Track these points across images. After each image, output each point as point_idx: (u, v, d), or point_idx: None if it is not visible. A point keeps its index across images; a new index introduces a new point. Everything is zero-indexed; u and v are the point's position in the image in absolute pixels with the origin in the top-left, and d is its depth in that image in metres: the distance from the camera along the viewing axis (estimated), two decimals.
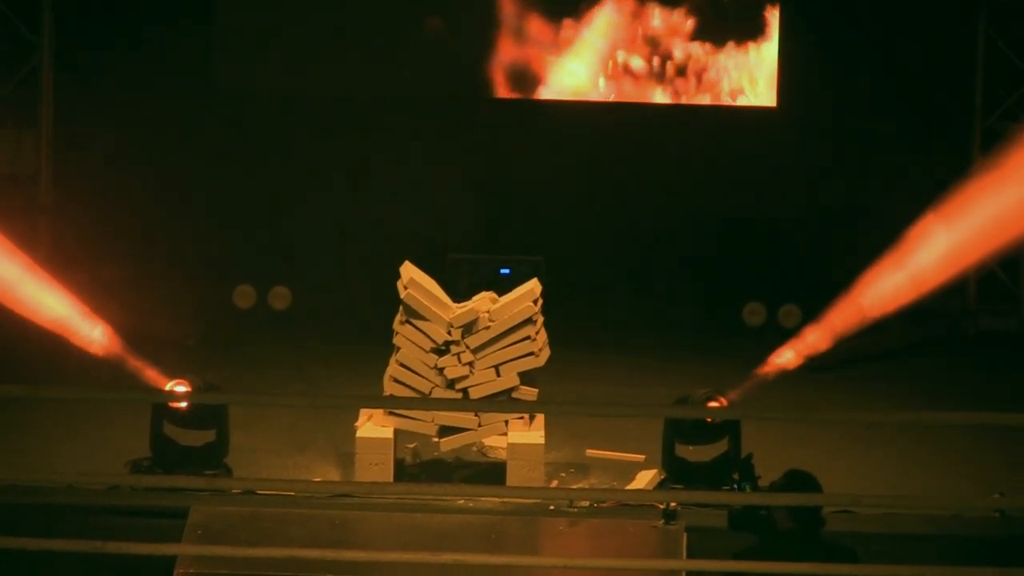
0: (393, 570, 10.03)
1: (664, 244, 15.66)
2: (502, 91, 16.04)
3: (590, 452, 11.98)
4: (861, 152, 15.09)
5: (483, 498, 11.01)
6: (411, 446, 11.62)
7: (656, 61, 15.91)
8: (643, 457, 11.72)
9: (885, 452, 11.94)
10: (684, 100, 16.00)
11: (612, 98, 16.05)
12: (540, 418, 11.58)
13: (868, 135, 15.20)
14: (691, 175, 15.84)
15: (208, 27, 16.07)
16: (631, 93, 16.00)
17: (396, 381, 11.55)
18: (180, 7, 15.90)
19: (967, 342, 15.07)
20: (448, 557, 9.89)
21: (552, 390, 11.77)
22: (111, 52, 15.75)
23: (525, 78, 16.02)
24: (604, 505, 11.07)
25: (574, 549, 10.61)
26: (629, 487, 11.49)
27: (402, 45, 16.05)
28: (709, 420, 11.38)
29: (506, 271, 12.30)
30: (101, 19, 15.85)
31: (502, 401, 11.56)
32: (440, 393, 11.48)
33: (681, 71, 15.92)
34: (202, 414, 11.36)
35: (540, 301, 11.71)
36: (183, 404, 11.41)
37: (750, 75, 15.93)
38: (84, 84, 15.87)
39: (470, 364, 11.53)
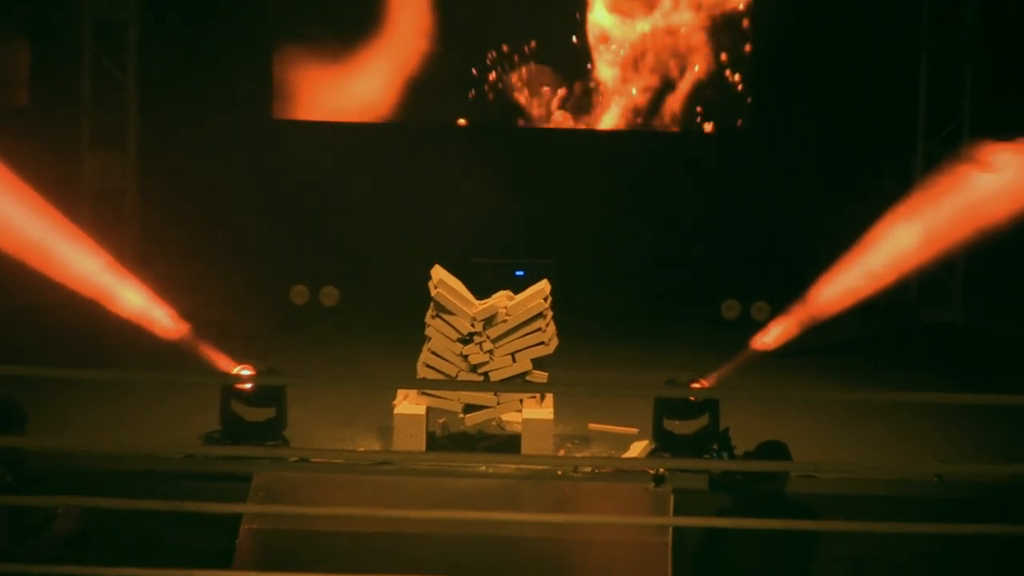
0: (424, 526, 10.06)
1: (655, 250, 15.66)
2: (521, 121, 16.08)
3: (592, 426, 11.99)
4: (820, 170, 15.09)
5: (501, 465, 11.04)
6: (441, 421, 11.64)
7: (647, 93, 15.94)
8: (636, 430, 11.72)
9: (842, 426, 11.91)
10: (672, 127, 16.03)
11: (612, 127, 16.07)
12: (549, 397, 11.61)
13: (827, 156, 15.19)
14: (678, 192, 15.86)
15: (266, 66, 16.09)
16: (630, 122, 16.04)
17: (428, 366, 11.59)
18: (243, 48, 15.90)
19: (911, 333, 15.05)
20: (471, 515, 9.96)
21: (560, 374, 11.78)
22: (186, 85, 15.77)
23: (540, 110, 16.05)
24: (603, 471, 11.11)
25: (578, 508, 10.63)
26: (625, 455, 11.53)
27: (433, 81, 16.05)
28: (692, 399, 11.42)
29: (520, 273, 12.32)
30: (177, 58, 15.86)
31: (517, 383, 11.61)
32: (465, 376, 11.51)
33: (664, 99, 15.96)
34: (264, 394, 11.40)
35: (549, 298, 11.75)
36: (248, 385, 11.42)
37: (723, 102, 15.96)
38: (163, 112, 15.90)
39: (490, 352, 11.55)
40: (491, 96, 16.09)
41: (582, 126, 16.09)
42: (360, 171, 15.82)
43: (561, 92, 16.07)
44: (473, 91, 16.09)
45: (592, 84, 16.03)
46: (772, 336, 12.80)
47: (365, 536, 9.97)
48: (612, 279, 15.36)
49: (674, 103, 16.02)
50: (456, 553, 9.87)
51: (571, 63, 16.01)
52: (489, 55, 16.07)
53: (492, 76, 16.06)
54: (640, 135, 16.07)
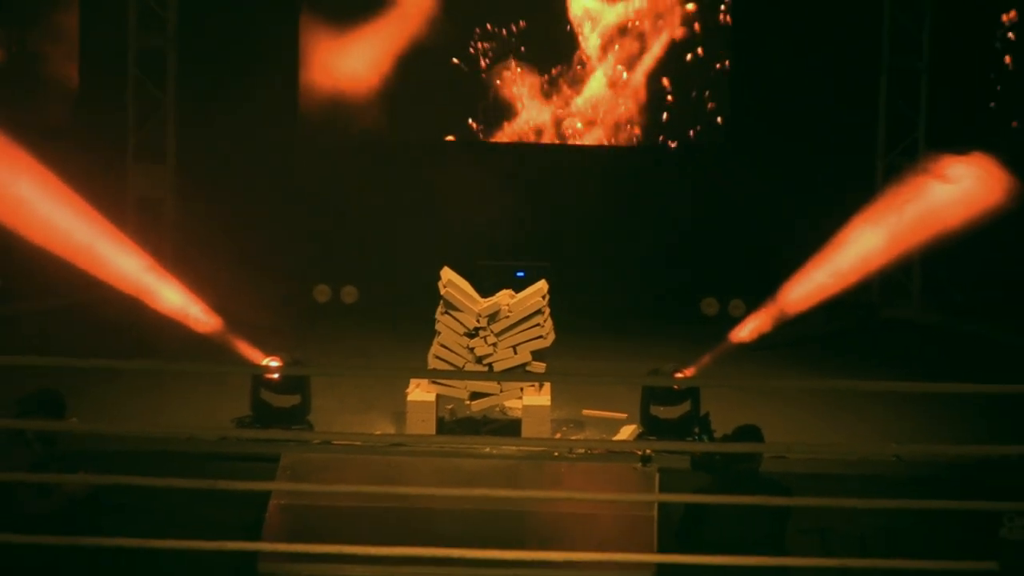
0: (434, 502, 10.09)
1: (642, 253, 15.68)
2: (524, 137, 16.10)
3: (585, 411, 12.01)
4: (791, 180, 15.09)
5: (503, 447, 11.08)
6: (449, 407, 11.66)
7: (635, 112, 15.95)
8: (626, 415, 11.75)
9: (810, 412, 11.94)
10: (657, 144, 16.04)
11: (604, 143, 16.08)
12: (547, 385, 11.63)
13: (797, 167, 15.20)
14: (662, 202, 15.88)
15: (292, 88, 16.11)
16: (618, 139, 16.05)
17: (438, 358, 11.60)
18: (269, 71, 15.91)
19: (873, 328, 15.06)
20: (477, 492, 10.00)
21: (556, 364, 11.80)
22: (218, 105, 15.78)
23: (540, 127, 16.07)
24: (596, 452, 11.14)
25: (572, 486, 10.65)
26: (615, 438, 11.57)
27: (444, 102, 16.07)
28: (676, 387, 11.43)
29: (521, 274, 12.32)
30: (210, 80, 15.88)
31: (518, 373, 11.62)
32: (471, 367, 11.52)
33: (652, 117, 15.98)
34: (290, 383, 11.43)
35: (547, 297, 11.77)
36: (276, 375, 11.45)
37: (702, 121, 15.97)
38: (199, 128, 15.92)
39: (494, 345, 11.58)
40: (492, 114, 16.09)
41: (577, 142, 16.07)
42: (377, 182, 15.86)
43: (558, 111, 16.07)
44: (480, 112, 16.06)
45: (587, 102, 16.02)
46: (747, 330, 12.83)
47: (381, 511, 10.00)
48: (603, 279, 15.37)
49: (659, 122, 16.02)
50: (463, 526, 9.89)
51: (568, 81, 15.99)
52: (494, 79, 16.06)
53: (497, 94, 16.06)
54: (628, 151, 16.09)
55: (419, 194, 15.51)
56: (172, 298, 12.75)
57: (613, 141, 16.11)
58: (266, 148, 15.89)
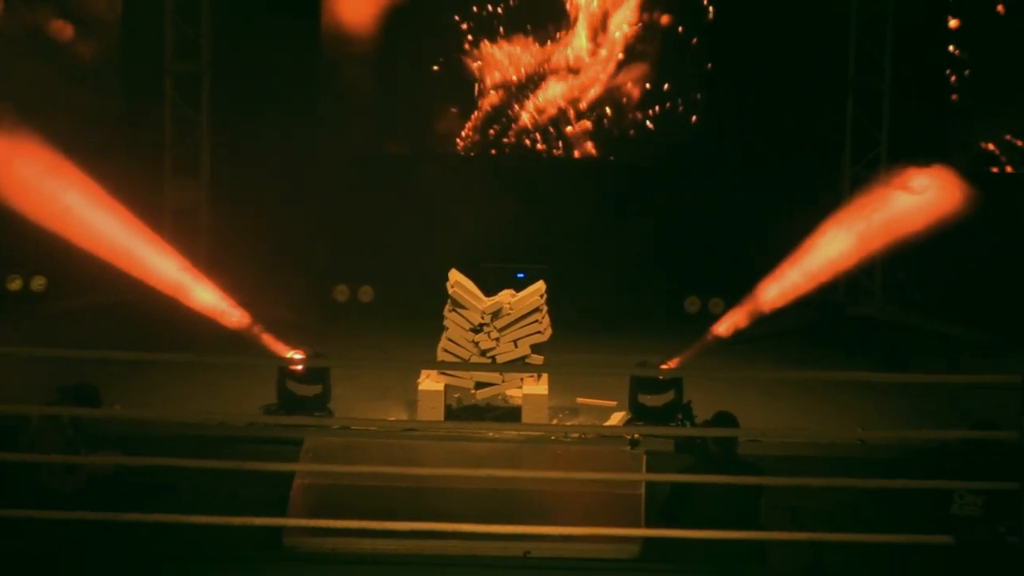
0: (443, 482, 10.08)
1: (631, 256, 15.66)
2: (522, 149, 16.10)
3: (579, 399, 12.00)
4: (767, 190, 15.08)
5: (505, 431, 11.09)
6: (456, 396, 11.64)
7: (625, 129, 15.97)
8: (616, 403, 11.74)
9: (782, 400, 11.93)
10: (643, 157, 16.04)
11: (595, 156, 16.08)
12: (545, 376, 11.64)
13: (772, 178, 15.20)
14: (649, 209, 15.85)
15: (313, 107, 16.11)
16: (608, 153, 16.06)
17: (446, 351, 11.62)
18: (294, 93, 15.93)
19: (839, 324, 15.04)
20: (482, 472, 10.02)
21: (553, 357, 11.81)
22: (247, 125, 15.77)
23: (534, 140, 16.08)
24: (589, 436, 11.16)
25: (568, 466, 10.62)
26: (606, 424, 11.55)
27: (453, 118, 16.07)
28: (661, 378, 11.44)
29: (521, 275, 12.30)
30: (240, 102, 15.88)
31: (519, 364, 11.63)
32: (476, 359, 11.54)
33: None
34: (312, 373, 11.44)
35: (545, 296, 11.78)
36: (299, 367, 11.47)
37: (685, 136, 15.96)
38: (230, 145, 15.92)
39: (497, 339, 11.59)
40: (496, 131, 16.09)
41: (574, 156, 16.08)
42: (391, 192, 15.85)
43: (554, 129, 16.07)
44: (491, 129, 16.07)
45: (581, 121, 16.03)
46: (726, 326, 12.81)
47: (395, 490, 9.99)
48: (595, 280, 15.34)
49: (646, 138, 16.02)
50: (469, 503, 9.88)
51: (564, 102, 16.01)
52: (494, 95, 16.07)
53: (492, 111, 16.06)
54: (618, 164, 16.09)
55: (429, 203, 15.49)
56: (205, 297, 12.74)
57: (605, 154, 16.07)
58: (290, 163, 15.88)
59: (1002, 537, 8.44)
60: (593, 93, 16.00)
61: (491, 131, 16.10)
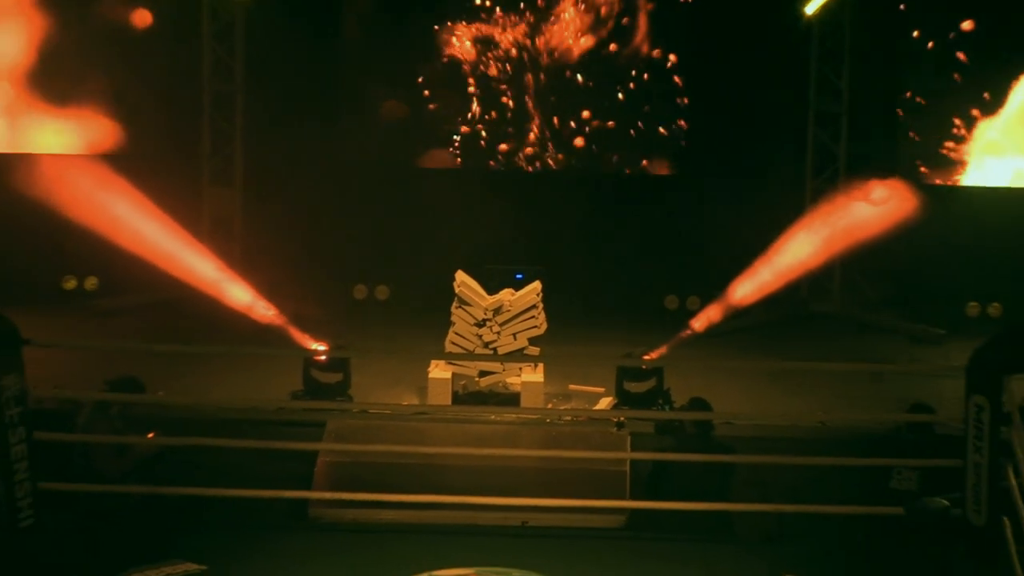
0: (450, 459, 10.10)
1: (617, 259, 15.66)
2: (522, 164, 16.12)
3: (571, 386, 12.01)
4: (737, 200, 15.04)
5: (505, 415, 11.08)
6: (462, 383, 11.64)
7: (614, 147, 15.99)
8: (603, 389, 11.75)
9: (752, 387, 11.93)
10: (629, 170, 16.05)
11: (585, 171, 16.09)
12: (541, 365, 11.66)
13: (742, 189, 15.18)
14: (634, 217, 15.86)
15: (337, 121, 16.12)
16: (604, 168, 16.07)
17: (453, 343, 11.62)
18: (318, 112, 15.92)
19: (802, 319, 15.05)
20: (485, 451, 10.05)
21: (548, 349, 11.81)
22: (276, 139, 15.76)
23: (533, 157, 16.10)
24: (580, 419, 11.16)
25: (561, 446, 10.65)
26: (595, 408, 11.57)
27: (462, 137, 16.09)
28: (644, 367, 11.46)
29: (520, 276, 12.31)
30: (270, 119, 15.84)
31: (517, 355, 11.64)
32: (480, 350, 11.55)
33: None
34: (334, 363, 11.41)
35: (541, 294, 11.79)
36: (323, 357, 11.48)
37: (667, 150, 15.98)
38: (262, 158, 15.91)
39: (498, 333, 11.59)
40: (494, 147, 16.11)
41: (568, 171, 16.10)
42: (405, 202, 15.85)
43: (550, 146, 16.08)
44: (498, 145, 16.08)
45: (576, 139, 16.05)
46: (701, 321, 12.86)
47: (407, 466, 10.02)
48: (586, 280, 15.34)
49: (631, 156, 16.04)
50: (473, 478, 9.88)
51: (560, 123, 16.03)
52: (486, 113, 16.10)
53: (497, 130, 16.08)
54: (607, 178, 16.10)
55: (439, 211, 15.48)
56: (239, 295, 12.79)
57: (596, 169, 16.09)
58: (315, 174, 15.86)
59: (946, 510, 8.46)
60: (586, 114, 16.00)
61: (498, 147, 16.08)
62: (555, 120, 15.98)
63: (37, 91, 15.45)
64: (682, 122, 15.89)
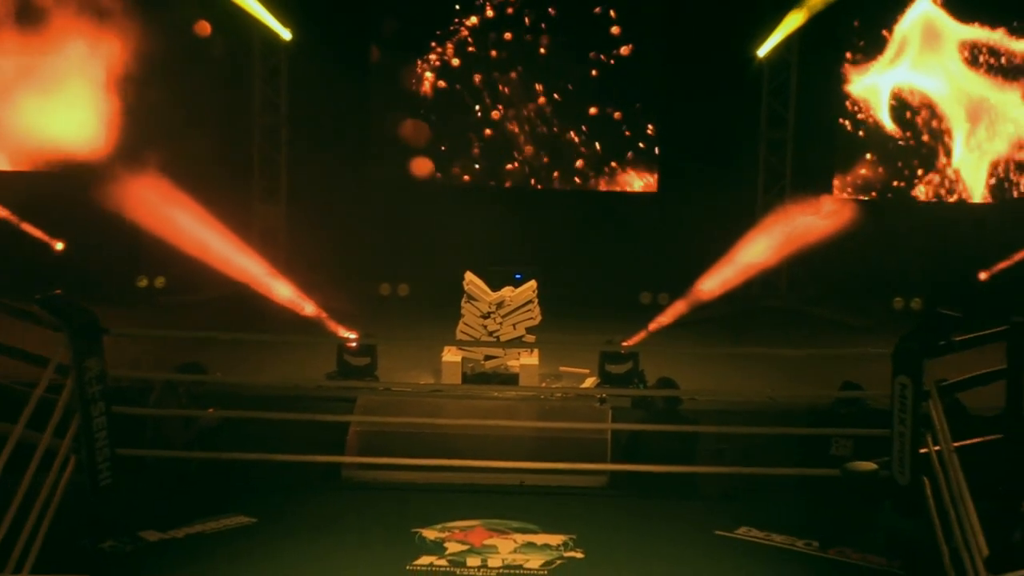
0: (460, 429, 10.09)
1: (602, 260, 15.65)
2: (522, 181, 16.08)
3: (562, 368, 11.97)
4: (702, 213, 15.02)
5: (506, 392, 11.08)
6: (470, 365, 11.63)
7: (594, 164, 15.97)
8: (588, 371, 11.72)
9: (712, 369, 11.90)
10: (613, 187, 16.02)
11: (576, 187, 16.07)
12: (537, 351, 11.65)
13: (706, 205, 15.13)
14: (617, 224, 15.84)
15: (366, 145, 16.12)
16: (584, 184, 16.05)
17: (462, 332, 11.64)
18: (350, 137, 15.93)
19: (754, 312, 15.02)
20: (489, 423, 10.04)
21: (543, 336, 11.82)
22: (315, 162, 15.77)
23: (534, 175, 16.07)
24: (568, 395, 11.16)
25: (552, 418, 10.64)
26: (582, 386, 11.55)
27: (469, 153, 16.07)
28: (622, 352, 11.46)
29: (519, 276, 12.30)
30: (309, 146, 15.87)
31: (517, 342, 11.65)
32: (485, 338, 11.56)
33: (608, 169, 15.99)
34: (364, 349, 11.41)
35: (536, 291, 11.81)
36: (354, 344, 11.48)
37: (643, 169, 15.94)
38: (301, 179, 15.93)
39: (500, 323, 11.61)
40: (502, 168, 16.09)
41: (559, 188, 16.08)
42: (423, 213, 15.83)
43: (546, 161, 16.07)
44: (503, 165, 16.06)
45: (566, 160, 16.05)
46: (670, 314, 12.84)
47: (424, 435, 10.01)
48: (574, 279, 15.29)
49: (614, 175, 16.01)
50: (479, 445, 9.88)
51: (556, 146, 16.01)
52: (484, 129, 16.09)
53: (501, 152, 16.06)
54: (593, 193, 16.07)
55: (451, 221, 15.48)
56: (284, 293, 12.78)
57: (584, 186, 16.08)
58: (347, 190, 15.86)
59: (875, 472, 8.45)
60: (576, 137, 15.98)
61: (501, 167, 16.06)
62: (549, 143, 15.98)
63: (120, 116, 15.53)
64: (656, 149, 15.84)
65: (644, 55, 15.63)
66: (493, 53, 15.78)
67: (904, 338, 8.63)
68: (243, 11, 15.01)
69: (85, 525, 8.29)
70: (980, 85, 15.09)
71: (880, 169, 15.51)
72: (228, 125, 15.83)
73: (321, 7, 15.48)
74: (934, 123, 15.32)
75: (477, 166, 16.05)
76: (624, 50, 15.61)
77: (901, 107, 15.32)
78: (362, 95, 16.00)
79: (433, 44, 15.79)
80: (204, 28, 15.55)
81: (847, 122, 15.48)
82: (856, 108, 15.42)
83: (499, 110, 15.90)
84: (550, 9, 15.64)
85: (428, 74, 15.86)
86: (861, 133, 15.43)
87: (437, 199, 15.88)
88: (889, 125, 15.36)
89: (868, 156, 15.47)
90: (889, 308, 15.22)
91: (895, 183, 15.50)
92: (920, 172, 15.42)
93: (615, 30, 15.65)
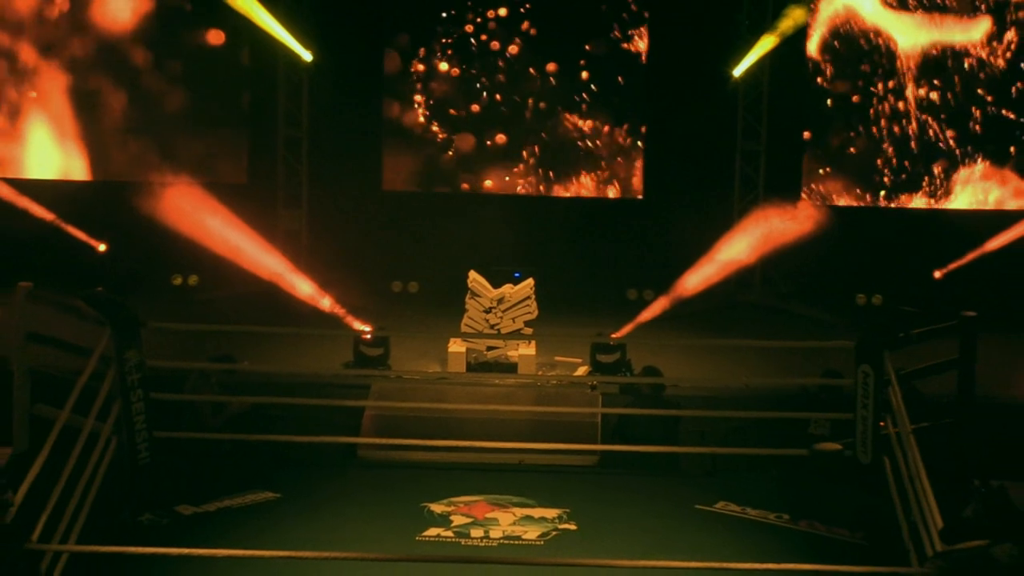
0: (465, 413, 10.09)
1: (591, 260, 15.66)
2: (528, 190, 16.08)
3: (557, 358, 11.96)
4: (683, 217, 15.03)
5: (507, 379, 11.07)
6: (474, 355, 11.62)
7: (584, 175, 15.95)
8: (581, 360, 11.73)
9: (694, 358, 11.93)
10: (602, 195, 16.01)
11: (568, 195, 16.06)
12: (534, 342, 11.63)
13: (688, 210, 15.15)
14: (605, 229, 15.84)
15: (379, 157, 16.10)
16: (582, 193, 16.03)
17: (467, 325, 11.63)
18: (365, 148, 15.91)
19: (730, 307, 15.01)
20: (491, 407, 10.03)
21: (539, 329, 11.80)
22: (334, 168, 15.79)
23: (532, 184, 16.07)
24: (563, 382, 11.16)
25: (549, 403, 10.65)
26: (575, 374, 11.55)
27: (468, 167, 16.05)
28: (611, 343, 11.45)
29: (517, 274, 12.30)
30: (330, 155, 15.88)
31: (516, 334, 11.62)
32: (487, 331, 11.55)
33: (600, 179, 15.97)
34: (378, 340, 11.42)
35: (533, 288, 11.79)
36: (369, 336, 11.48)
37: (628, 180, 15.93)
38: (322, 186, 15.91)
39: (500, 317, 11.59)
40: (504, 179, 16.08)
41: (553, 195, 16.07)
42: (431, 218, 15.83)
43: (542, 172, 16.06)
44: (504, 178, 16.06)
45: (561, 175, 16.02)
46: (654, 309, 12.84)
47: (432, 419, 10.01)
48: (568, 277, 15.29)
49: (601, 185, 16.00)
50: (482, 427, 9.88)
51: (552, 157, 16.00)
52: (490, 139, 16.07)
53: (503, 165, 16.05)
54: (584, 201, 16.05)
55: (457, 226, 15.50)
56: (305, 289, 12.77)
57: (576, 195, 16.06)
58: (362, 197, 15.87)
59: (840, 452, 8.46)
60: (571, 149, 15.98)
61: (502, 176, 16.05)
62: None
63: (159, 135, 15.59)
64: (642, 160, 15.83)
65: (632, 75, 15.65)
66: (500, 78, 15.77)
67: (866, 331, 8.63)
68: (269, 36, 15.01)
69: (125, 500, 8.29)
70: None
71: (844, 178, 15.51)
72: (255, 139, 15.83)
73: (338, 33, 15.48)
74: (896, 130, 15.34)
75: (480, 175, 16.03)
76: (619, 77, 15.65)
77: (866, 123, 15.34)
78: (375, 111, 15.99)
79: (439, 68, 15.79)
80: (236, 52, 15.55)
81: (814, 135, 15.50)
82: (822, 123, 15.44)
83: (500, 126, 15.90)
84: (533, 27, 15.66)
85: (433, 94, 15.85)
86: (829, 143, 15.45)
87: (444, 205, 15.88)
88: (853, 139, 15.37)
89: (828, 169, 15.47)
90: (853, 304, 15.22)
91: (858, 191, 15.49)
92: (886, 181, 15.42)
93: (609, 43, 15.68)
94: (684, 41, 15.10)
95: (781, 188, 15.30)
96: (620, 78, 15.61)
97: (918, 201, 15.38)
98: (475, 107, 15.89)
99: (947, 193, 15.35)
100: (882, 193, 15.45)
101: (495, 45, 15.74)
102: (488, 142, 15.93)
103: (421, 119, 15.92)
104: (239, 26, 15.05)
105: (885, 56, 15.20)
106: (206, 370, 9.66)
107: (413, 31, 15.81)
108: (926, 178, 15.37)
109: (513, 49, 15.69)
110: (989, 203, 15.18)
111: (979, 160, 15.23)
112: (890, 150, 15.37)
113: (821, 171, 15.54)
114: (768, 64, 15.16)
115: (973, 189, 15.24)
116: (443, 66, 15.79)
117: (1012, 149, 15.11)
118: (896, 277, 14.85)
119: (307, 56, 15.35)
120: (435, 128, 15.93)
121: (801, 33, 14.81)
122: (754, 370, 11.33)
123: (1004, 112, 15.10)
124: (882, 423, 8.29)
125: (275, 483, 8.83)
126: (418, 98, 15.87)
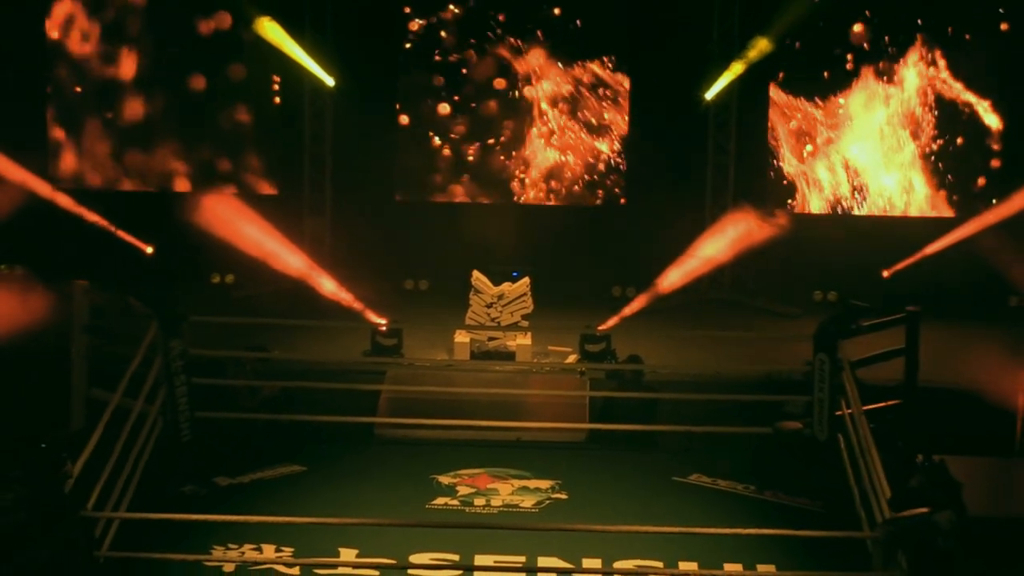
0: (469, 396, 10.08)
1: (582, 261, 15.54)
2: (523, 199, 16.01)
3: (550, 347, 11.92)
4: (663, 220, 14.92)
5: (506, 366, 11.05)
6: (477, 345, 11.59)
7: (573, 183, 15.85)
8: (571, 349, 11.68)
9: (672, 347, 11.86)
10: (592, 201, 15.92)
11: (561, 203, 15.99)
12: (530, 333, 11.60)
13: (666, 214, 15.01)
14: (594, 232, 15.71)
15: (391, 171, 16.00)
16: (572, 201, 15.96)
17: (470, 319, 11.61)
18: (380, 165, 15.83)
19: (704, 303, 14.93)
20: (492, 391, 10.03)
21: (535, 321, 11.78)
22: (355, 180, 15.66)
23: (530, 193, 16.00)
24: (555, 369, 11.15)
25: (543, 387, 10.66)
26: (566, 361, 11.52)
27: (471, 181, 15.98)
28: (598, 334, 11.42)
29: (516, 274, 12.28)
30: (350, 169, 15.72)
31: (514, 326, 11.61)
32: (488, 323, 11.52)
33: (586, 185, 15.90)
34: (392, 332, 11.41)
35: (529, 285, 11.78)
36: (385, 327, 11.45)
37: (613, 187, 15.84)
38: (343, 196, 15.80)
39: (500, 311, 11.58)
40: (502, 188, 16.02)
41: (548, 203, 15.99)
42: (439, 224, 15.74)
43: (539, 182, 15.97)
44: (502, 187, 15.99)
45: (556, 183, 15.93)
46: (636, 305, 12.78)
47: (440, 401, 10.04)
48: (561, 275, 15.11)
49: (589, 192, 15.93)
50: (484, 408, 9.89)
51: (547, 169, 15.90)
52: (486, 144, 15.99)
53: (502, 176, 15.98)
54: (574, 208, 15.96)
55: (462, 231, 15.39)
56: (328, 286, 12.73)
57: (568, 202, 15.99)
58: (379, 206, 15.76)
59: (800, 431, 8.45)
60: (562, 162, 15.90)
61: (502, 186, 15.98)
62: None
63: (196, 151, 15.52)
64: (624, 169, 15.77)
65: (614, 96, 15.59)
66: (492, 106, 15.72)
67: (823, 323, 8.63)
68: (296, 63, 14.99)
69: (169, 473, 8.29)
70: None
71: (802, 188, 15.48)
72: (284, 155, 15.78)
73: (357, 60, 15.41)
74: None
75: (482, 186, 15.98)
76: (604, 104, 15.56)
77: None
78: (391, 130, 15.94)
79: (445, 90, 15.74)
80: (267, 81, 15.52)
81: (774, 152, 15.47)
82: (777, 143, 15.40)
83: (499, 139, 15.85)
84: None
85: (443, 112, 15.78)
86: (785, 161, 15.41)
87: (450, 213, 15.81)
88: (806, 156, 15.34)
89: (788, 181, 15.43)
90: (811, 299, 15.17)
91: (814, 199, 15.47)
92: (841, 189, 15.40)
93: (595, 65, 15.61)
94: (663, 64, 15.08)
95: (747, 197, 15.22)
96: (606, 103, 15.57)
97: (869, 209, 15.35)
98: (480, 125, 15.85)
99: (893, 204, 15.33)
100: (839, 202, 15.42)
101: (501, 84, 15.56)
102: (490, 157, 15.91)
103: (431, 136, 15.88)
104: (269, 57, 15.03)
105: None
106: (242, 358, 9.65)
107: (423, 59, 15.74)
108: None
109: (501, 83, 15.58)
110: (930, 212, 15.16)
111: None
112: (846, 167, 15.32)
113: (784, 182, 15.51)
114: (736, 88, 15.13)
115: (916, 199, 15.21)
116: (449, 103, 15.70)
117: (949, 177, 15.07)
118: (849, 276, 14.82)
119: (330, 81, 15.30)
120: (445, 147, 15.89)
121: (766, 60, 14.75)
122: (725, 358, 11.29)
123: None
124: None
125: (302, 458, 8.85)
126: (428, 117, 15.82)
